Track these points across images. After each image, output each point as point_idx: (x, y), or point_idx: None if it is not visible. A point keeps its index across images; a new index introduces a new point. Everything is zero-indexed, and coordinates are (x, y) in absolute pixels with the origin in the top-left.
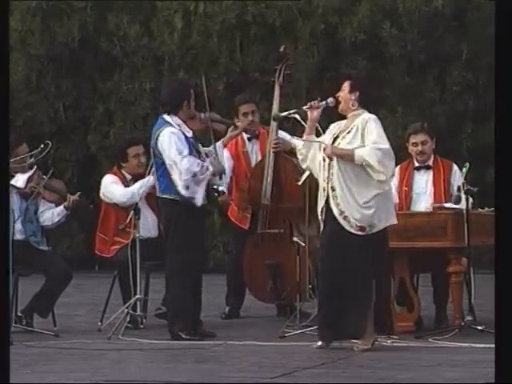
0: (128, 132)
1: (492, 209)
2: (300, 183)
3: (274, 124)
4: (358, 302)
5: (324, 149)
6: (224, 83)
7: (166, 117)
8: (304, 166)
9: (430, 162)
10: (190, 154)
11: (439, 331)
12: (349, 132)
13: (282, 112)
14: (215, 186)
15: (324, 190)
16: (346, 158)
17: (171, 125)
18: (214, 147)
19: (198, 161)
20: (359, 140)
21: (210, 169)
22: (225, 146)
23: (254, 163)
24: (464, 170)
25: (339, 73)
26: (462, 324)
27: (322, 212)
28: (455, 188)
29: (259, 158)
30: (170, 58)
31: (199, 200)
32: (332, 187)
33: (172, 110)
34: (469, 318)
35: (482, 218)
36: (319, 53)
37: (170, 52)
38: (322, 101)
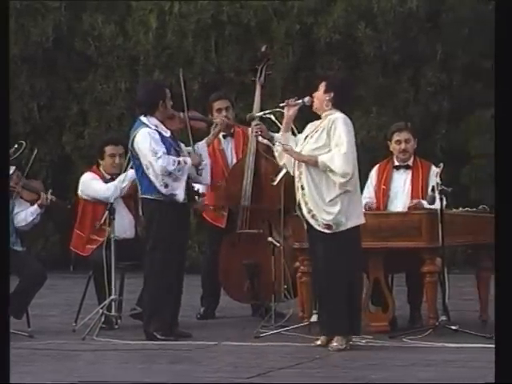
0: (103, 132)
1: (466, 209)
2: (275, 183)
3: (254, 124)
4: (329, 300)
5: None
6: (199, 83)
7: (143, 118)
8: (281, 163)
9: (410, 162)
10: (168, 153)
11: (413, 331)
12: (316, 131)
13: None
14: (196, 188)
15: (297, 188)
16: (310, 163)
17: (147, 126)
18: (192, 146)
19: (173, 158)
20: (324, 139)
21: (188, 161)
22: (209, 145)
23: (229, 161)
24: (438, 170)
25: (314, 73)
26: (436, 324)
27: (298, 210)
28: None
29: (234, 156)
30: (145, 58)
31: (181, 195)
32: (301, 186)
33: (148, 111)
34: (443, 317)
35: (456, 218)
36: (294, 53)
37: (145, 52)
38: (298, 99)
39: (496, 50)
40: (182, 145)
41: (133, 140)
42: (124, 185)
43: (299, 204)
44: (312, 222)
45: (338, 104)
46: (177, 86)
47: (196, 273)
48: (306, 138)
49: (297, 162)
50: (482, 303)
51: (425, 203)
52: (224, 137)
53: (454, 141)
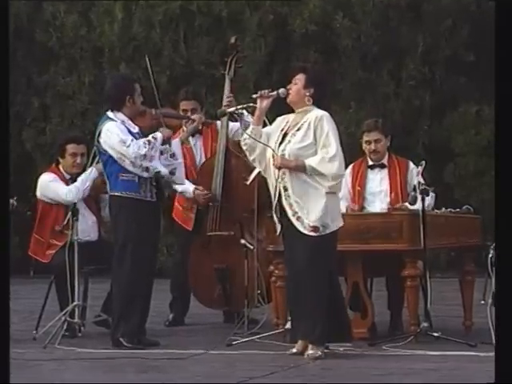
0: (65, 128)
1: (449, 209)
2: (248, 183)
3: (224, 119)
4: (308, 304)
5: (273, 158)
6: (167, 76)
7: (110, 113)
8: (251, 158)
9: (385, 161)
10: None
11: (394, 338)
12: (299, 129)
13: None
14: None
15: (276, 188)
16: (297, 169)
17: (115, 120)
18: (166, 146)
19: (143, 140)
20: (311, 138)
21: (158, 136)
22: (183, 142)
23: (198, 159)
24: (419, 168)
25: (289, 66)
26: (418, 330)
27: (275, 211)
28: (412, 187)
29: (203, 153)
30: (110, 50)
31: (164, 170)
32: (284, 187)
33: (114, 106)
34: (425, 324)
35: (438, 219)
36: (267, 45)
37: (110, 43)
38: (272, 91)
39: (496, 52)
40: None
41: (99, 135)
42: (86, 185)
43: (279, 206)
44: (297, 224)
45: (317, 100)
46: (145, 79)
47: (164, 277)
48: (284, 135)
49: (274, 165)
50: (466, 309)
51: (408, 207)
52: (192, 134)
53: (436, 137)
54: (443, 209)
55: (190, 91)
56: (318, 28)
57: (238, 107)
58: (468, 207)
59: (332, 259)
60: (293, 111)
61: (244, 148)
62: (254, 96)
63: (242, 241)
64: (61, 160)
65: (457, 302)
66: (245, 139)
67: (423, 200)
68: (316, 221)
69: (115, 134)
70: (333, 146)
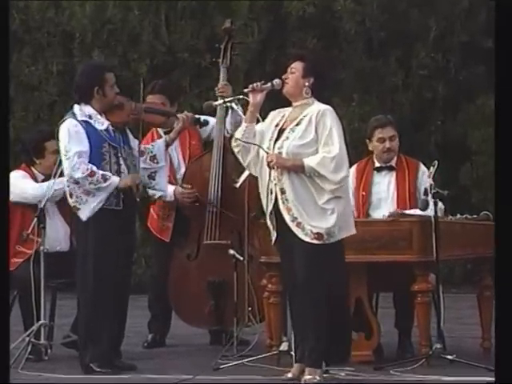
0: (31, 123)
1: (465, 215)
2: (238, 185)
3: (221, 113)
4: (306, 322)
5: (267, 155)
6: (147, 65)
7: (75, 107)
8: (245, 163)
9: (393, 163)
10: (97, 150)
11: (402, 362)
12: (298, 124)
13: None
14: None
15: (271, 191)
16: (293, 168)
17: (75, 116)
18: (139, 146)
19: (89, 166)
20: (312, 134)
21: (113, 181)
22: (168, 144)
23: (176, 162)
24: (432, 169)
25: (284, 53)
26: (430, 353)
27: (271, 217)
28: (422, 191)
29: (180, 154)
30: (81, 35)
31: (83, 213)
32: (281, 189)
33: (82, 99)
34: (437, 345)
35: (453, 226)
36: (260, 30)
37: (81, 27)
38: (266, 83)
39: (497, 31)
40: (135, 142)
41: (58, 134)
42: (60, 186)
43: (276, 211)
44: (297, 231)
45: (317, 91)
46: (121, 67)
47: (143, 292)
48: (280, 131)
49: (266, 162)
50: (484, 328)
51: (411, 213)
52: (165, 133)
53: (451, 134)
54: (458, 215)
55: (159, 84)
56: (317, 10)
57: (226, 100)
58: (486, 213)
59: (337, 271)
60: (288, 105)
61: (236, 150)
62: (246, 90)
63: (231, 251)
64: (37, 161)
65: (474, 321)
66: (236, 141)
67: (435, 205)
68: (320, 227)
69: (63, 137)
70: (336, 145)
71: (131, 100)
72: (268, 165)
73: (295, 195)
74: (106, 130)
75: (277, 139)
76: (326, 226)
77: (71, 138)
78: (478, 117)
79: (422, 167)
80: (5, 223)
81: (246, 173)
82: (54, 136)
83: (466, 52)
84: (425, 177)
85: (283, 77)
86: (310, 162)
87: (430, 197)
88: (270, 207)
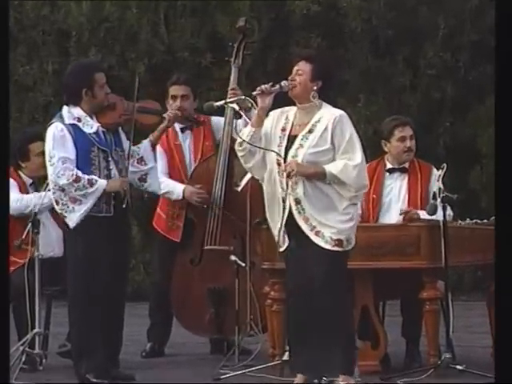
0: (25, 124)
1: (475, 220)
2: (239, 189)
3: (229, 114)
4: (337, 335)
5: (278, 165)
6: (145, 65)
7: (64, 109)
8: (248, 166)
9: (406, 165)
10: (85, 155)
11: (410, 372)
12: (311, 131)
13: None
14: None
15: (283, 200)
16: (315, 176)
17: (62, 119)
18: (129, 148)
19: (74, 171)
20: (328, 142)
21: (100, 184)
22: (154, 144)
23: (187, 159)
24: (440, 172)
25: (287, 53)
26: (439, 363)
27: (284, 226)
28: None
29: (192, 154)
30: (77, 33)
31: (72, 221)
32: (296, 199)
33: (70, 100)
34: (446, 355)
35: (462, 232)
36: (262, 29)
37: (77, 25)
38: (274, 85)
39: (498, 29)
40: (125, 142)
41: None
42: (43, 202)
43: (291, 221)
44: (316, 239)
45: (324, 93)
46: (119, 67)
47: (142, 299)
48: (290, 138)
49: (286, 170)
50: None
51: (421, 214)
52: (182, 130)
53: (460, 136)
54: (468, 219)
55: (184, 76)
56: (322, 8)
57: (228, 100)
58: None
59: (347, 277)
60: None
61: (240, 154)
62: (254, 93)
63: (233, 257)
64: (23, 164)
65: (484, 330)
66: (241, 144)
67: (444, 209)
68: (341, 234)
69: (48, 142)
70: (358, 153)
71: (124, 99)
72: (288, 174)
73: (311, 205)
74: (96, 132)
75: (288, 147)
76: (345, 233)
77: (56, 143)
78: (487, 118)
79: (435, 171)
80: (5, 224)
81: (248, 176)
82: (40, 137)
83: (476, 51)
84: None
85: (290, 78)
86: (331, 169)
87: (438, 201)
88: (284, 217)
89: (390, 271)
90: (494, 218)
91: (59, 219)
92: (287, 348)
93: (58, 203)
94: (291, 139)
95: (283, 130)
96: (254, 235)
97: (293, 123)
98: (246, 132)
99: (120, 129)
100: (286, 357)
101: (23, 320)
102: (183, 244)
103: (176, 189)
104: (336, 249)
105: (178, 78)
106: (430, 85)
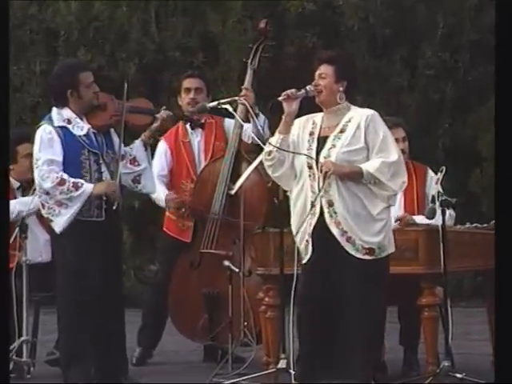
0: (13, 126)
1: (475, 225)
2: (233, 192)
3: (239, 118)
4: (367, 344)
5: (309, 168)
6: (136, 65)
7: (53, 110)
8: (276, 175)
9: None
10: (75, 158)
11: (408, 380)
12: (342, 131)
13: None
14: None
15: (312, 205)
16: (351, 175)
17: (51, 122)
18: (119, 150)
19: (59, 174)
20: (362, 141)
21: (85, 189)
22: (146, 144)
23: (196, 157)
24: (439, 175)
25: (282, 53)
26: (437, 371)
27: (313, 231)
28: (430, 198)
29: (202, 152)
30: (66, 33)
31: (58, 225)
32: (329, 201)
33: (58, 102)
34: (445, 363)
35: (462, 236)
36: (255, 28)
37: (66, 25)
38: (299, 90)
39: (497, 44)
40: (117, 143)
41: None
42: (29, 208)
43: (321, 225)
44: (347, 246)
45: (351, 94)
46: (109, 67)
47: (132, 306)
48: (320, 139)
49: (315, 171)
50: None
51: (417, 218)
52: (192, 127)
53: (459, 138)
54: (467, 224)
55: (197, 71)
56: (318, 7)
57: (221, 101)
58: None
59: (384, 289)
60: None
61: (269, 164)
62: (280, 98)
63: (226, 262)
64: (10, 167)
65: (484, 337)
66: (270, 153)
67: (443, 213)
68: (372, 242)
69: (36, 144)
70: (393, 150)
71: (116, 98)
72: (324, 174)
73: (345, 207)
74: (86, 135)
75: (319, 149)
76: (377, 240)
77: (42, 146)
78: (488, 120)
79: (430, 172)
80: (5, 225)
81: (242, 179)
82: (27, 139)
83: (476, 51)
84: (433, 182)
85: (313, 83)
86: (368, 167)
87: (437, 205)
88: (313, 223)
89: None
90: (494, 222)
91: (47, 225)
92: (282, 356)
93: (43, 207)
94: (321, 141)
95: (311, 134)
96: (249, 241)
97: (321, 127)
98: (273, 140)
99: (112, 130)
100: (280, 364)
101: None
102: (186, 247)
103: (161, 196)
104: (366, 257)
105: (193, 71)
106: (428, 85)
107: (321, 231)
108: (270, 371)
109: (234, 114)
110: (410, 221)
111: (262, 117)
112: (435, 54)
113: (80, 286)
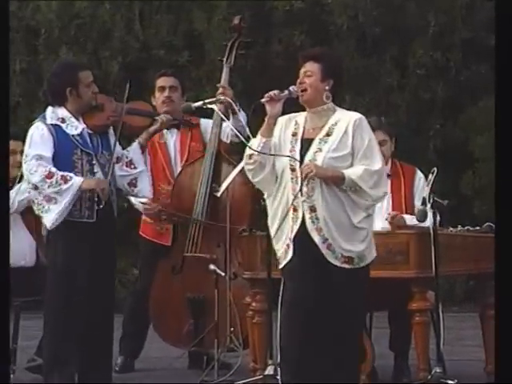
0: None
1: (467, 227)
2: (219, 194)
3: (217, 117)
4: (343, 355)
5: (292, 170)
6: (119, 63)
7: (48, 109)
8: (257, 179)
9: (387, 169)
10: (66, 157)
11: None
12: (329, 134)
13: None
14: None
15: (294, 209)
16: (333, 180)
17: (45, 120)
18: (113, 151)
19: (47, 167)
20: (349, 147)
21: (74, 182)
22: (143, 146)
23: (172, 158)
24: (430, 177)
25: (268, 51)
26: (429, 377)
27: (289, 241)
28: (420, 202)
29: (178, 153)
30: (47, 31)
31: (48, 221)
32: (311, 207)
33: (55, 101)
34: (437, 369)
35: (453, 239)
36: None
37: (47, 22)
38: (283, 91)
39: (497, 43)
40: (118, 148)
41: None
42: (22, 197)
43: (303, 230)
44: (327, 254)
45: (337, 94)
46: (92, 65)
47: (115, 311)
48: (304, 141)
49: (298, 175)
50: (488, 351)
51: (409, 218)
52: (167, 128)
53: (451, 139)
54: (459, 227)
55: (171, 70)
56: (306, 4)
57: (206, 101)
58: (490, 225)
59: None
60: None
61: (250, 167)
62: (263, 100)
63: (212, 266)
64: None
65: (476, 343)
66: (251, 156)
67: (434, 216)
68: (351, 251)
69: (27, 141)
70: (376, 158)
71: (114, 100)
72: (305, 176)
73: (327, 214)
74: (80, 134)
75: (303, 151)
76: (357, 250)
77: (33, 143)
78: (480, 120)
79: (419, 173)
80: (5, 225)
81: (228, 180)
82: (13, 137)
83: (468, 50)
84: (422, 183)
85: (298, 81)
86: (351, 174)
87: (428, 207)
88: (295, 228)
89: (377, 281)
90: (487, 224)
91: (31, 226)
92: (270, 362)
93: (34, 203)
94: (305, 143)
95: (294, 134)
96: (235, 244)
97: (304, 127)
98: (255, 144)
99: (110, 132)
100: (268, 371)
101: None
102: (167, 251)
103: (139, 205)
104: (345, 266)
105: (166, 71)
106: (419, 85)
107: (302, 237)
108: (257, 378)
109: (220, 113)
110: (401, 221)
111: (242, 113)
112: (426, 52)
113: (69, 288)
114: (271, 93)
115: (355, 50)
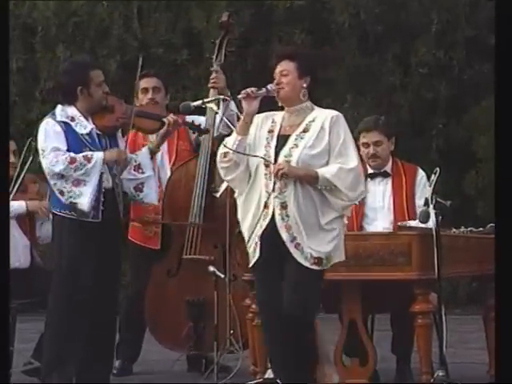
0: None
1: (470, 228)
2: (218, 195)
3: (211, 114)
4: (302, 353)
5: (266, 166)
6: (117, 62)
7: (58, 107)
8: (230, 177)
9: (388, 168)
10: (75, 153)
11: None
12: (305, 131)
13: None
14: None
15: (266, 205)
16: (306, 179)
17: (54, 117)
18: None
19: (66, 154)
20: (325, 143)
21: (97, 156)
22: (153, 152)
23: (159, 162)
24: (433, 177)
25: (268, 50)
26: (431, 380)
27: (257, 238)
28: (421, 201)
29: (165, 154)
30: (44, 29)
31: (84, 204)
32: (283, 203)
33: (65, 99)
34: (440, 372)
35: (456, 241)
36: (241, 24)
37: (44, 20)
38: (260, 88)
39: (497, 43)
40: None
41: (36, 136)
42: (15, 207)
43: (271, 228)
44: (295, 253)
45: (313, 91)
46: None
47: None
48: (281, 138)
49: (271, 171)
50: (491, 353)
51: (412, 224)
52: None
53: (454, 139)
54: (462, 228)
55: (153, 70)
56: (306, 2)
57: (206, 100)
58: (493, 226)
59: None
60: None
61: (224, 165)
62: (239, 96)
63: (211, 268)
64: None
65: (480, 345)
66: (226, 154)
67: (437, 217)
68: (320, 251)
69: (41, 136)
70: (352, 156)
71: (124, 102)
72: (276, 173)
73: (298, 211)
74: (89, 134)
75: (278, 147)
76: (326, 250)
77: (48, 137)
78: (483, 120)
79: (421, 172)
80: (5, 225)
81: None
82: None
83: (471, 48)
84: (423, 181)
85: (275, 82)
86: (325, 172)
87: (431, 208)
88: (264, 224)
89: (379, 283)
90: (490, 225)
91: (26, 227)
92: (269, 365)
93: (63, 194)
94: (281, 139)
95: (270, 131)
96: (235, 245)
97: (281, 125)
98: (230, 142)
99: (119, 134)
100: (268, 374)
101: None
102: (160, 254)
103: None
104: (314, 267)
105: (148, 72)
106: (421, 84)
107: (270, 233)
108: (257, 381)
109: (219, 113)
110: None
111: (232, 103)
112: (429, 51)
113: (74, 288)
114: (248, 90)
115: (357, 48)
